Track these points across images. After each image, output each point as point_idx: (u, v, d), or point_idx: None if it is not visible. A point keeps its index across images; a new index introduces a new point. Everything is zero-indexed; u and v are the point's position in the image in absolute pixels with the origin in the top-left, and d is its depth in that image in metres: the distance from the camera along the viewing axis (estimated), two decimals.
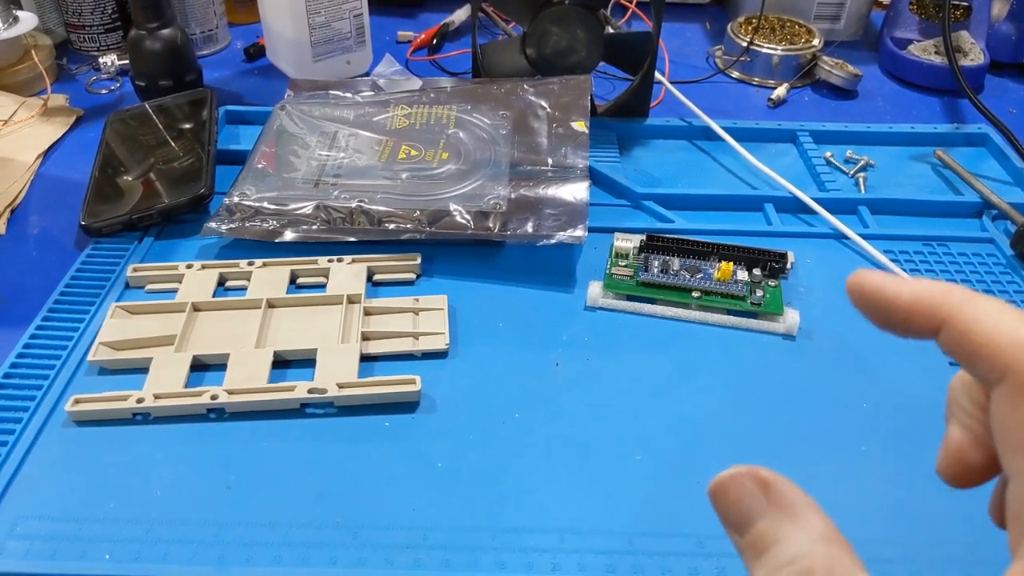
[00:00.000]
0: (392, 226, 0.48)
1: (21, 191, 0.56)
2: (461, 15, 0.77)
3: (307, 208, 0.48)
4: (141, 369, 0.41)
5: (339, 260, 0.48)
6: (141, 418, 0.39)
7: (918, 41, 0.73)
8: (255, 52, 0.73)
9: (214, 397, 0.39)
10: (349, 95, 0.60)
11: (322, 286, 0.47)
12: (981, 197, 0.55)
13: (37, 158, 0.59)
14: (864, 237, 0.51)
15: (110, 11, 0.71)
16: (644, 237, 0.48)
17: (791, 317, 0.45)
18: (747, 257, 0.47)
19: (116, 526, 0.34)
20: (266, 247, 0.48)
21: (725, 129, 0.60)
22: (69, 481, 0.36)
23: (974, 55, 0.70)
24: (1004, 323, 0.16)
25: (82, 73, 0.70)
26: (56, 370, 0.41)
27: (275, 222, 0.48)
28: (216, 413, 0.39)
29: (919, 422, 0.40)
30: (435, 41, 0.74)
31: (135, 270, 0.47)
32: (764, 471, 0.17)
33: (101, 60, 0.69)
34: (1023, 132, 0.61)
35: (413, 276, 0.48)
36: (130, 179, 0.53)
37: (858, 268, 0.21)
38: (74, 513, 0.35)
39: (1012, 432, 0.16)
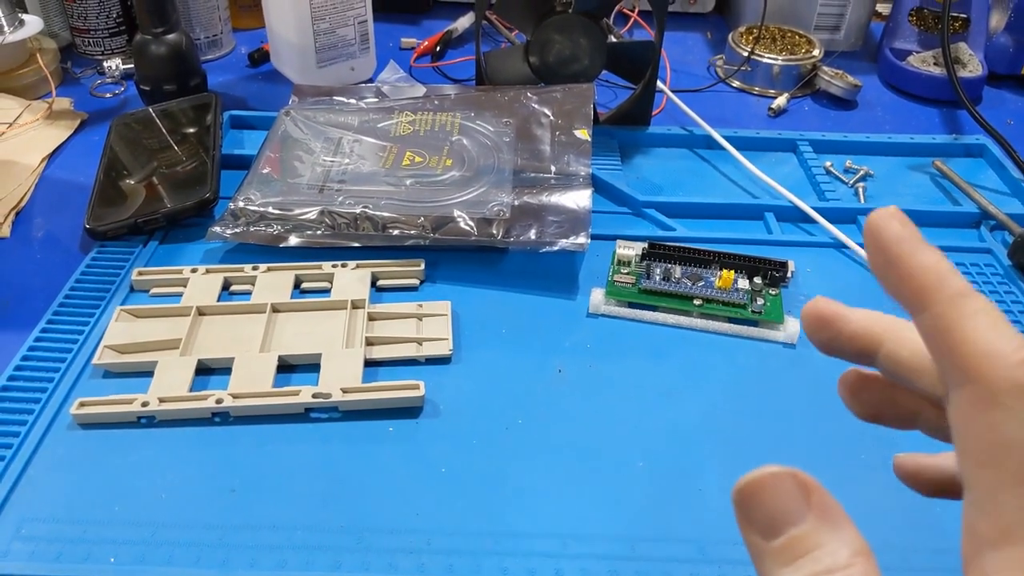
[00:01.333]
0: (396, 232, 0.48)
1: (26, 194, 0.56)
2: (465, 22, 0.78)
3: (312, 213, 0.49)
4: (146, 373, 0.41)
5: (343, 265, 0.48)
6: (146, 421, 0.39)
7: (917, 52, 0.73)
8: (259, 57, 0.73)
9: (219, 401, 0.39)
10: (353, 101, 0.60)
11: (326, 291, 0.47)
12: (979, 208, 0.55)
13: (42, 161, 0.59)
14: (864, 246, 0.51)
15: (115, 15, 0.71)
16: (646, 245, 0.49)
17: (791, 326, 0.45)
18: (748, 265, 0.48)
19: (121, 529, 0.34)
20: (271, 252, 0.48)
21: (726, 138, 0.60)
22: (74, 484, 0.36)
23: (972, 66, 0.71)
24: (992, 330, 0.15)
25: (87, 77, 0.70)
26: (61, 373, 0.41)
27: (280, 227, 0.49)
28: (221, 417, 0.40)
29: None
30: (439, 48, 0.74)
31: (140, 274, 0.47)
32: (804, 474, 0.16)
33: (106, 64, 0.69)
34: (1021, 143, 0.62)
35: (417, 282, 0.48)
36: (135, 183, 0.54)
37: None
38: (79, 516, 0.35)
39: (969, 442, 0.15)
